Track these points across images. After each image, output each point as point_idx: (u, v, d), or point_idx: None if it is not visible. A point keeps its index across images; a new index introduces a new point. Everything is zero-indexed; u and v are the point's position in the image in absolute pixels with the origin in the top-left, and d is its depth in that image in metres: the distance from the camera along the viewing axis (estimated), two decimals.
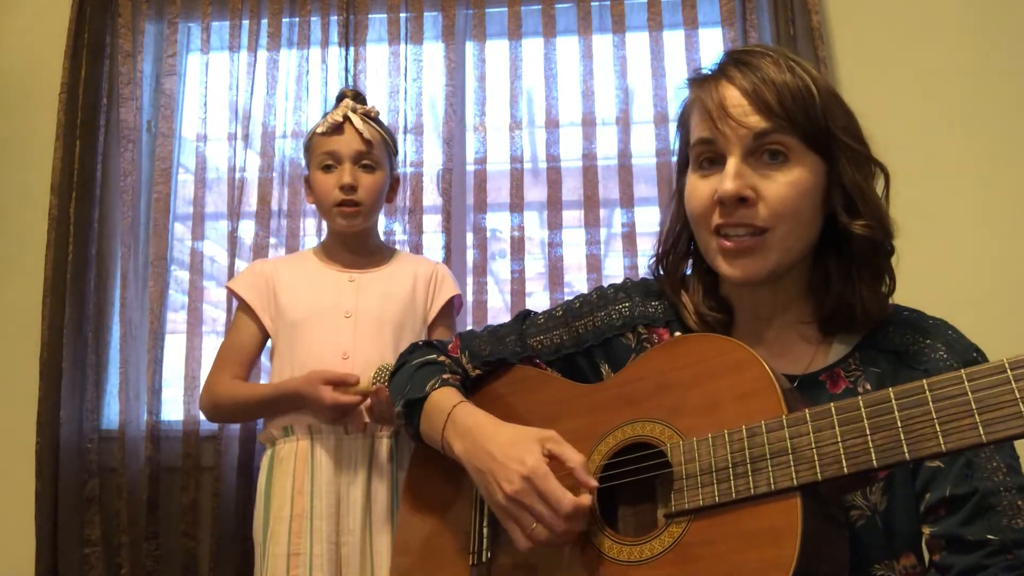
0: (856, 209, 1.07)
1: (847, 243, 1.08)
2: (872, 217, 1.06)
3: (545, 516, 1.02)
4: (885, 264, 1.09)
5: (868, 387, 1.07)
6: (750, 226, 1.05)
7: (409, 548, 1.34)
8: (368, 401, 1.79)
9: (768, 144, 1.04)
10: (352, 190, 1.91)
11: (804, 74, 1.07)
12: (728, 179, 1.04)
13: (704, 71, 1.13)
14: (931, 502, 1.00)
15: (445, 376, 1.30)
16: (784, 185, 1.04)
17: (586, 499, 1.04)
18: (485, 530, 1.21)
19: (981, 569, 0.94)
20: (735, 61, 1.09)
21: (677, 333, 1.19)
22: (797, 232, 1.06)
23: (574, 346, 1.28)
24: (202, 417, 2.29)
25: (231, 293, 2.06)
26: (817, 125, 1.05)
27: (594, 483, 1.05)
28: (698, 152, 1.10)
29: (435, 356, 1.37)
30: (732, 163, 1.05)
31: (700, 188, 1.09)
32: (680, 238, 1.20)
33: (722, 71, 1.09)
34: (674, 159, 1.23)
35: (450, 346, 1.40)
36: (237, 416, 2.09)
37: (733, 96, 1.06)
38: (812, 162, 1.06)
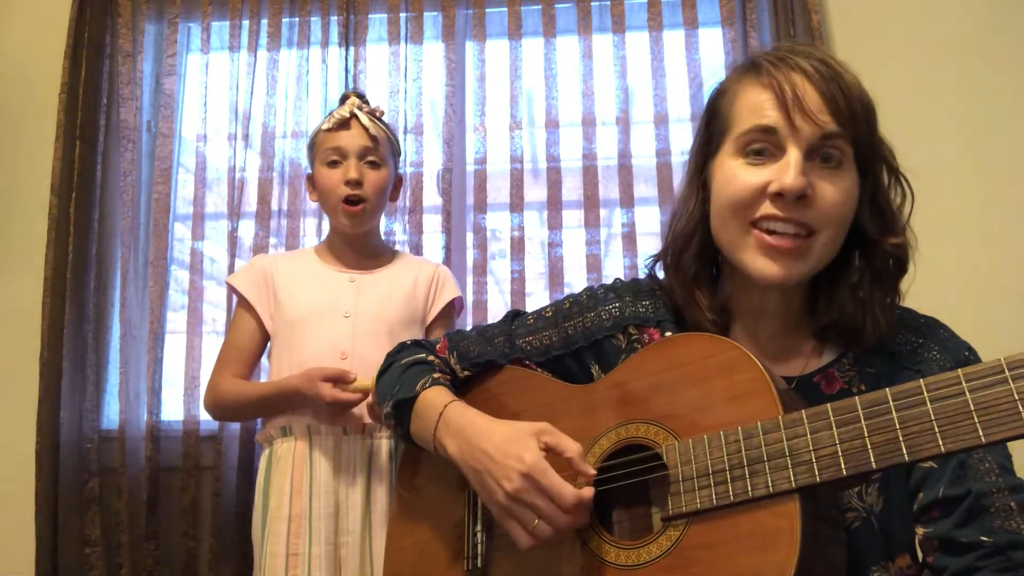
0: (889, 227, 1.07)
1: (869, 257, 1.08)
2: (903, 236, 1.07)
3: (548, 511, 1.02)
4: (898, 282, 1.09)
5: (863, 388, 1.07)
6: (803, 225, 1.03)
7: (401, 554, 1.33)
8: (369, 399, 1.79)
9: (828, 147, 1.03)
10: (358, 185, 1.91)
11: (863, 86, 1.06)
12: (794, 174, 1.01)
13: (765, 58, 1.08)
14: (924, 503, 1.00)
15: (435, 375, 1.29)
16: (839, 190, 1.03)
17: (588, 491, 1.03)
18: (479, 534, 1.20)
19: (975, 571, 0.94)
20: (807, 56, 1.06)
21: (668, 333, 1.18)
22: (837, 240, 1.05)
23: (563, 347, 1.27)
24: (202, 417, 2.30)
25: (231, 289, 2.06)
26: (871, 140, 1.05)
27: (592, 472, 1.05)
28: (750, 139, 1.06)
29: (424, 355, 1.36)
30: (796, 157, 1.02)
31: (746, 176, 1.06)
32: (696, 233, 1.15)
33: (790, 61, 1.05)
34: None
35: (438, 346, 1.39)
36: (240, 415, 2.08)
37: (808, 89, 1.03)
38: (855, 174, 1.06)
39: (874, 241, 1.07)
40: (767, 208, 1.03)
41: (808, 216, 1.02)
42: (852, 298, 1.08)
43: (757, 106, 1.06)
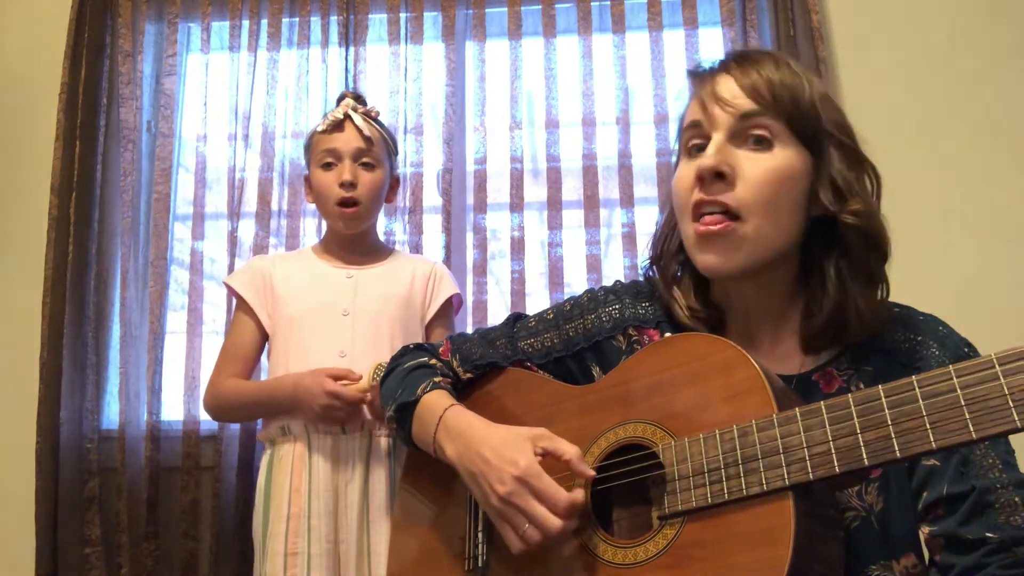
0: (844, 200, 1.07)
1: (840, 241, 1.07)
2: (861, 206, 1.06)
3: (539, 515, 1.02)
4: (879, 266, 1.08)
5: (861, 386, 1.06)
6: (723, 205, 1.05)
7: (404, 554, 1.34)
8: (368, 396, 1.79)
9: (753, 127, 1.06)
10: (352, 187, 1.92)
11: (800, 71, 1.09)
12: (708, 154, 1.06)
13: (703, 65, 1.15)
14: (928, 501, 1.00)
15: (437, 379, 1.30)
16: (764, 169, 1.05)
17: (579, 494, 1.04)
18: (480, 535, 1.21)
19: (981, 568, 0.94)
20: (735, 57, 1.11)
21: (668, 334, 1.19)
22: (774, 222, 1.06)
23: (564, 349, 1.28)
24: (202, 417, 2.30)
25: (228, 290, 2.06)
26: (805, 114, 1.06)
27: (591, 473, 1.06)
28: (687, 138, 1.12)
29: (426, 359, 1.36)
30: (715, 139, 1.07)
31: (685, 173, 1.10)
32: (673, 235, 1.19)
33: (721, 66, 1.11)
34: (673, 159, 1.23)
35: (441, 349, 1.39)
36: (241, 414, 2.07)
37: (724, 83, 1.08)
38: (797, 152, 1.06)
39: (834, 217, 1.07)
40: (696, 194, 1.07)
41: (731, 196, 1.05)
42: (840, 294, 1.07)
43: (690, 109, 1.13)
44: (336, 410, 1.77)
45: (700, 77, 1.13)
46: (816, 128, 1.07)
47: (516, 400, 1.28)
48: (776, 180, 1.05)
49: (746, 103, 1.06)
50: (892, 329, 1.09)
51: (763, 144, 1.06)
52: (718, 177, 1.05)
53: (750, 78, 1.07)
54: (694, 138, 1.11)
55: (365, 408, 1.82)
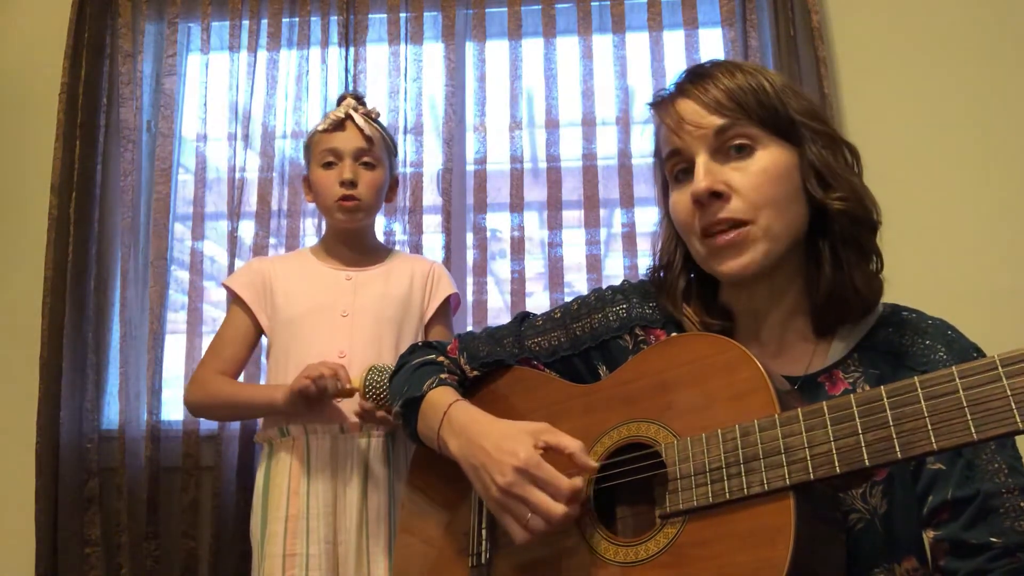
0: (829, 185, 1.08)
1: (830, 223, 1.08)
2: (846, 190, 1.08)
3: (542, 503, 1.03)
4: (870, 241, 1.09)
5: (867, 388, 1.06)
6: (730, 220, 1.06)
7: (409, 550, 1.34)
8: (356, 403, 1.80)
9: (731, 139, 1.07)
10: (352, 185, 1.92)
11: (753, 71, 1.11)
12: (699, 178, 1.07)
13: (662, 93, 1.17)
14: (933, 505, 1.00)
15: (443, 376, 1.31)
16: (754, 174, 1.06)
17: (579, 481, 1.04)
18: (483, 531, 1.21)
19: (985, 573, 0.94)
20: (688, 77, 1.14)
21: (674, 334, 1.19)
22: (780, 218, 1.07)
23: (571, 348, 1.28)
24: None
25: (227, 291, 2.06)
26: (774, 111, 1.08)
27: (595, 465, 1.06)
28: (671, 166, 1.13)
29: (434, 356, 1.37)
30: (700, 162, 1.08)
31: (681, 199, 1.11)
32: (675, 255, 1.21)
33: (677, 89, 1.14)
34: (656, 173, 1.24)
35: (449, 347, 1.40)
36: (219, 413, 2.06)
37: (687, 105, 1.10)
38: (780, 148, 1.08)
39: (822, 202, 1.08)
40: (700, 218, 1.09)
41: (731, 210, 1.06)
42: (837, 272, 1.08)
43: (664, 138, 1.14)
44: (316, 371, 1.75)
45: (661, 106, 1.15)
46: (787, 121, 1.09)
47: (522, 398, 1.28)
48: (768, 180, 1.06)
49: (715, 119, 1.07)
50: (900, 332, 1.09)
51: (745, 151, 1.07)
52: (714, 196, 1.06)
53: (710, 94, 1.08)
54: (678, 164, 1.12)
55: (352, 414, 1.82)
